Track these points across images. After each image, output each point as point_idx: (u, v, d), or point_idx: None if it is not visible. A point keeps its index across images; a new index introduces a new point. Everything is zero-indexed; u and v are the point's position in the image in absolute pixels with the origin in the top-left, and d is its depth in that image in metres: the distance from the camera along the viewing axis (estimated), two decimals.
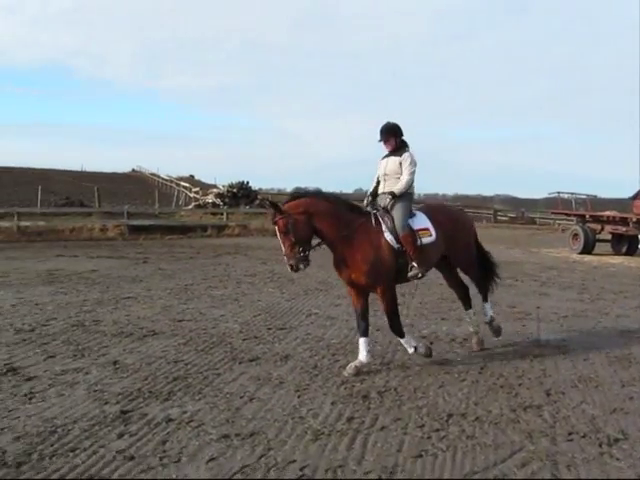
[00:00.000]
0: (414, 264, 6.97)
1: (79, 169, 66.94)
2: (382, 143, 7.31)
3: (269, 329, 8.96)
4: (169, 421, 5.42)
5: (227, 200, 34.34)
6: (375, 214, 7.08)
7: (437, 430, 5.34)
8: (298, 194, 7.08)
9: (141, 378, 6.53)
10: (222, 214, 30.92)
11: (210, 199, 35.38)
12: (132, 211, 28.41)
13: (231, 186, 35.53)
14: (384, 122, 7.31)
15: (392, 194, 7.11)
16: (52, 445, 4.88)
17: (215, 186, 41.61)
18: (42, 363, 7.09)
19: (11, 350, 7.58)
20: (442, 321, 9.65)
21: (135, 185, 54.35)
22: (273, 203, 6.83)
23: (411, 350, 7.10)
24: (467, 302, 8.07)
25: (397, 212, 7.05)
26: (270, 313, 10.05)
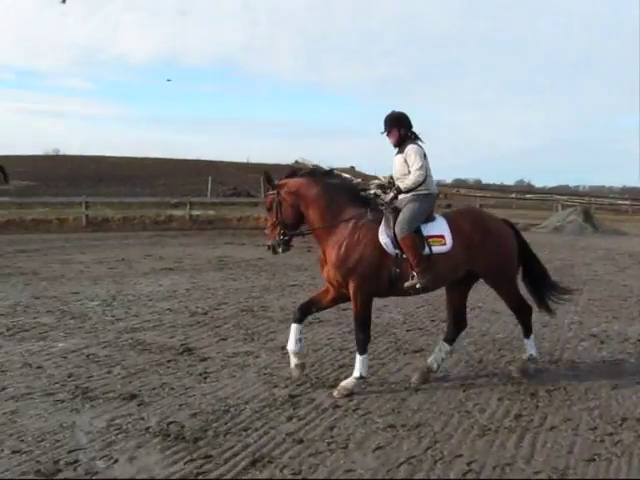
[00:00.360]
0: (414, 273, 5.95)
1: (245, 161, 69.37)
2: (385, 135, 6.41)
3: (432, 321, 8.89)
4: (336, 407, 5.50)
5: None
6: (379, 209, 6.28)
7: (610, 434, 5.08)
8: (297, 171, 6.54)
9: (308, 364, 6.65)
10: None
11: (372, 189, 35.53)
12: None
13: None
14: (389, 111, 6.44)
15: (398, 189, 6.29)
16: (226, 423, 5.10)
17: (376, 177, 41.79)
18: (215, 345, 7.42)
19: (186, 332, 8.00)
20: (613, 320, 9.16)
21: None
22: (268, 177, 6.37)
23: (357, 374, 5.95)
24: (452, 334, 6.61)
25: (404, 212, 6.12)
26: (433, 305, 9.95)
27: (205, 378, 6.20)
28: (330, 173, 6.56)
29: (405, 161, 6.23)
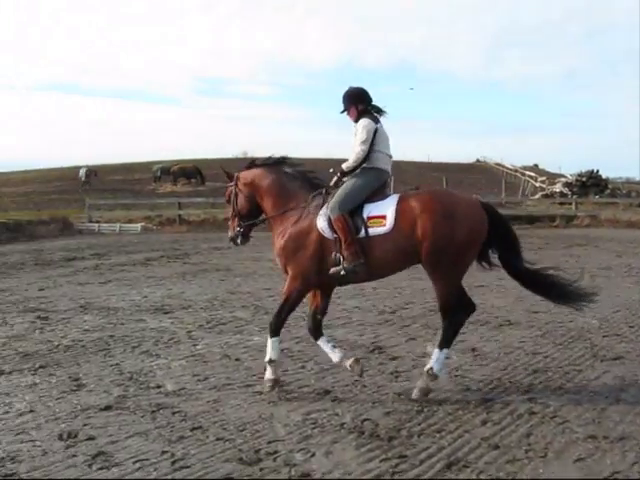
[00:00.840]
0: (341, 257, 5.55)
1: (425, 159, 68.96)
2: (346, 115, 6.03)
3: (631, 327, 8.32)
4: (532, 414, 5.28)
5: (575, 189, 32.82)
6: (321, 193, 5.90)
7: None
8: (255, 162, 6.34)
9: (500, 367, 6.47)
10: (570, 204, 29.61)
11: (558, 188, 34.12)
12: (480, 200, 28.45)
13: (580, 175, 33.89)
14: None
15: (341, 170, 5.90)
16: (419, 424, 5.04)
17: (561, 175, 40.06)
18: (404, 344, 7.40)
19: (375, 330, 8.04)
20: None
21: (480, 175, 54.47)
22: (225, 170, 6.39)
23: (266, 358, 5.78)
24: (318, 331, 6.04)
25: (339, 191, 5.75)
26: (630, 310, 9.33)
27: (396, 377, 6.19)
28: (283, 162, 6.24)
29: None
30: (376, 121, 5.87)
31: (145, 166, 47.15)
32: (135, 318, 8.84)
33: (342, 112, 6.01)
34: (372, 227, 5.58)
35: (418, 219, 5.48)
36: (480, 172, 58.14)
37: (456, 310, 5.71)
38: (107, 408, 5.41)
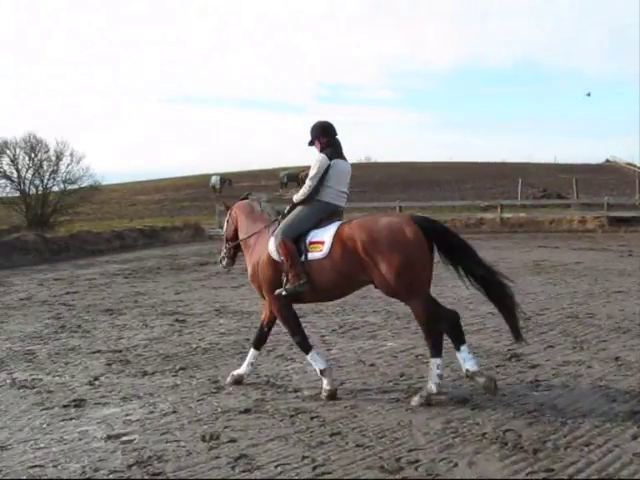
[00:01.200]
0: (285, 279, 5.88)
1: (551, 161, 66.87)
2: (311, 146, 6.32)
3: None
4: None
5: None
6: (277, 220, 6.27)
7: None
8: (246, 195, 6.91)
9: None
10: None
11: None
12: (610, 202, 27.23)
13: None
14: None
15: (290, 201, 6.24)
16: (565, 436, 4.81)
17: None
18: (542, 352, 7.12)
19: (511, 337, 7.70)
20: None
21: (610, 175, 52.17)
22: (225, 204, 7.08)
23: (318, 368, 5.87)
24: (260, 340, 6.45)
25: (285, 219, 6.10)
26: None
27: (537, 386, 5.96)
28: (248, 195, 6.87)
29: None
30: (333, 157, 6.07)
31: (271, 173, 48.21)
32: None
33: (309, 144, 6.32)
34: (311, 252, 5.88)
35: (350, 246, 5.67)
36: (610, 173, 55.72)
37: (435, 322, 5.65)
38: (246, 411, 5.49)
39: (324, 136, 6.16)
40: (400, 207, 26.12)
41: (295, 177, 42.45)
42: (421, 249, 5.62)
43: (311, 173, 6.05)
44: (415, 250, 5.58)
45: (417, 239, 5.60)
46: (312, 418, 5.27)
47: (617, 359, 6.77)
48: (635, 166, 54.78)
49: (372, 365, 6.72)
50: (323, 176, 6.00)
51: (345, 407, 5.50)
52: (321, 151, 6.11)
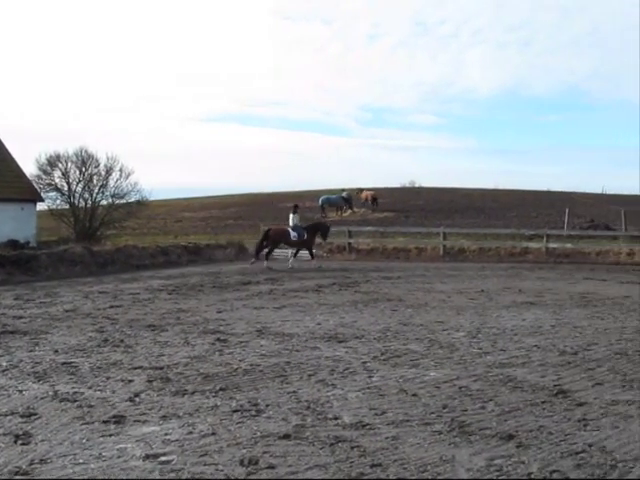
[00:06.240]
0: None
1: (599, 191, 65.78)
2: None
3: None
4: None
5: None
6: None
7: None
8: None
9: None
10: None
11: None
12: None
13: None
14: None
15: None
16: None
17: None
18: (590, 389, 6.89)
19: (557, 371, 7.56)
20: None
21: None
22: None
23: None
24: None
25: None
26: None
27: (585, 425, 5.74)
28: None
29: None
30: None
31: (314, 194, 48.29)
32: (310, 345, 8.89)
33: None
34: None
35: None
36: None
37: None
38: (286, 437, 5.39)
39: None
40: (444, 233, 25.91)
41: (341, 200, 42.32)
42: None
43: None
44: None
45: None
46: (352, 448, 5.15)
47: None
48: None
49: (414, 395, 6.57)
50: None
51: (386, 438, 5.36)
52: None
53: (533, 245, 25.80)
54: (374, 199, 43.06)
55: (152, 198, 34.85)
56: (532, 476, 4.64)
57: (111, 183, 31.67)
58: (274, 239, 21.88)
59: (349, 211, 41.98)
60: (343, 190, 43.75)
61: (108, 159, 31.63)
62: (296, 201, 27.84)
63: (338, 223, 34.29)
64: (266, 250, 21.88)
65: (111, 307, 12.43)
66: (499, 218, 39.41)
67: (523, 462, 4.89)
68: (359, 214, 41.37)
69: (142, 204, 32.61)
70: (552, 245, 25.58)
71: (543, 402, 6.38)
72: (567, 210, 31.36)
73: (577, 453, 5.09)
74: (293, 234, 21.58)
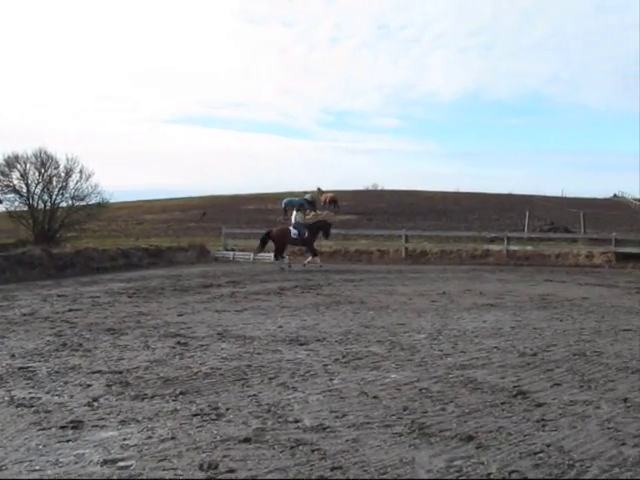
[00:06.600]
0: None
1: (559, 194, 66.89)
2: None
3: None
4: None
5: None
6: None
7: None
8: None
9: None
10: None
11: None
12: (618, 237, 27.10)
13: None
14: None
15: None
16: None
17: None
18: (549, 390, 6.97)
19: (517, 373, 7.64)
20: None
21: (618, 210, 52.04)
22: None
23: None
24: None
25: None
26: None
27: (543, 426, 5.80)
28: None
29: None
30: None
31: (277, 197, 48.23)
32: (271, 348, 8.86)
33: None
34: None
35: None
36: (618, 208, 55.56)
37: None
38: (246, 440, 5.36)
39: None
40: (406, 236, 26.06)
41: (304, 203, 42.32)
42: None
43: None
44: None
45: None
46: (313, 451, 5.13)
47: (626, 400, 6.61)
48: None
49: (375, 397, 6.58)
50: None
51: (347, 440, 5.36)
52: None
53: (494, 247, 26.08)
54: (333, 201, 43.17)
55: (113, 200, 34.47)
56: (491, 476, 4.68)
57: (71, 185, 31.17)
58: (277, 239, 22.32)
59: (312, 214, 42.02)
60: (306, 193, 43.78)
61: (68, 160, 31.13)
62: (259, 204, 27.79)
63: None
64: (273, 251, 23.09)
65: (70, 311, 12.25)
66: (461, 221, 39.81)
67: (482, 463, 4.93)
68: (322, 216, 41.38)
69: (103, 206, 32.18)
70: (513, 247, 25.89)
71: (502, 403, 6.45)
72: (527, 213, 31.78)
73: (535, 453, 5.14)
74: (294, 232, 21.90)
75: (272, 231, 23.00)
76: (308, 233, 22.17)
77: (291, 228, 22.22)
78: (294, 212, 22.82)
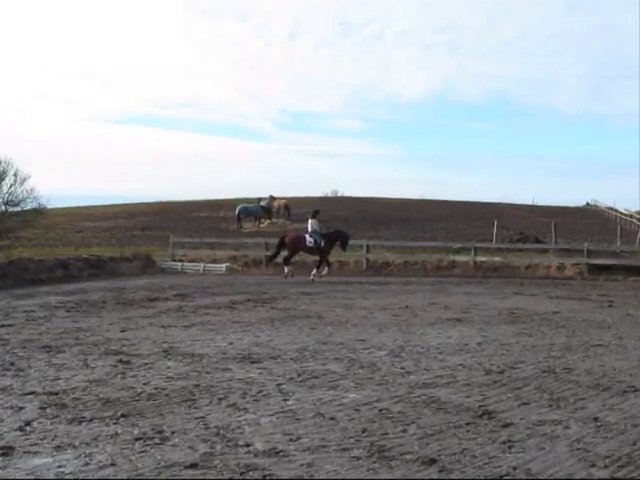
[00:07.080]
0: None
1: (529, 202, 67.88)
2: None
3: None
4: None
5: None
6: None
7: None
8: None
9: (629, 441, 6.06)
10: None
11: None
12: (591, 248, 27.60)
13: None
14: None
15: None
16: None
17: None
18: (516, 409, 7.06)
19: (483, 392, 7.73)
20: None
21: (590, 220, 52.99)
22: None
23: None
24: None
25: None
26: None
27: (510, 447, 5.87)
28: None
29: None
30: None
31: (231, 203, 48.10)
32: (221, 367, 8.82)
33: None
34: None
35: None
36: (591, 217, 56.57)
37: None
38: (192, 466, 5.32)
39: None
40: (367, 246, 26.20)
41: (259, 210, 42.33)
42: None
43: None
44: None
45: None
46: (264, 476, 5.12)
47: (596, 419, 6.74)
48: (617, 211, 55.68)
49: (332, 419, 6.59)
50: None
51: (301, 465, 5.35)
52: None
53: (461, 258, 26.36)
54: (286, 207, 43.20)
55: (51, 206, 33.83)
56: None
57: (4, 189, 30.55)
58: (291, 246, 22.62)
59: (267, 222, 42.00)
60: (260, 199, 43.70)
61: (1, 163, 30.62)
62: (212, 210, 27.72)
63: (255, 235, 34.24)
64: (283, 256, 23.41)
65: (2, 326, 12.04)
66: (426, 230, 40.16)
67: None
68: (278, 225, 41.41)
69: (39, 212, 31.61)
70: (480, 258, 26.20)
71: (467, 424, 6.51)
72: (495, 222, 32.17)
73: (501, 476, 5.21)
74: (309, 240, 22.17)
75: (286, 236, 23.41)
76: (324, 242, 22.48)
77: (307, 236, 22.50)
78: (309, 220, 23.08)
